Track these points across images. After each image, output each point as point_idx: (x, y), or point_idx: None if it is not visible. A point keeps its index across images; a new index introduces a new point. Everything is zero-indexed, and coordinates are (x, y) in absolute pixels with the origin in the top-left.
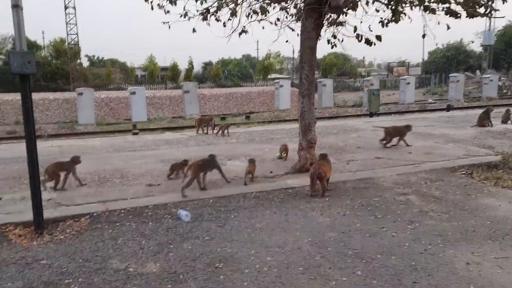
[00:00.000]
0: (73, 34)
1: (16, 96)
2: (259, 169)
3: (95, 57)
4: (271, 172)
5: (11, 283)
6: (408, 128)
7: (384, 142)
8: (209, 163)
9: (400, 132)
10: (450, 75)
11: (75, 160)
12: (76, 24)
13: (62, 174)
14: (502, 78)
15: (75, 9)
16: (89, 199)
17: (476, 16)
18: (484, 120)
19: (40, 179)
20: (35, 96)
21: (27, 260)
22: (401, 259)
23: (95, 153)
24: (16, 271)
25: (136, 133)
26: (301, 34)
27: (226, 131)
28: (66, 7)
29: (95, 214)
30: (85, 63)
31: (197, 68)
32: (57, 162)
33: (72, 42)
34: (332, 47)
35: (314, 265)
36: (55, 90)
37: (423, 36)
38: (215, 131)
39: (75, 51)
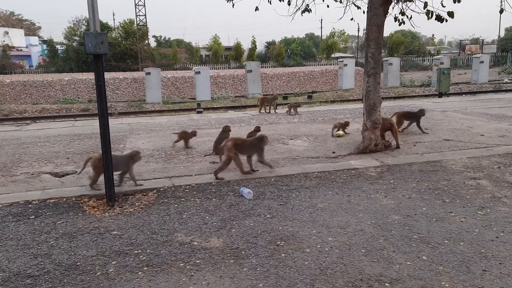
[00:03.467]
0: (142, 15)
1: (89, 76)
2: (321, 149)
3: (162, 38)
4: (333, 152)
5: (85, 251)
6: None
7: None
8: (248, 145)
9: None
10: None
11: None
12: (144, 5)
13: None
14: None
15: None
16: (156, 174)
17: None
18: None
19: None
20: (106, 75)
21: (100, 230)
22: (470, 245)
23: (162, 131)
24: (90, 240)
25: (200, 112)
26: (367, 11)
27: (295, 110)
28: None
29: (161, 189)
30: (152, 43)
31: (260, 47)
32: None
33: (141, 23)
34: (400, 25)
35: (377, 247)
36: (124, 70)
37: (501, 11)
38: (277, 111)
39: (143, 32)
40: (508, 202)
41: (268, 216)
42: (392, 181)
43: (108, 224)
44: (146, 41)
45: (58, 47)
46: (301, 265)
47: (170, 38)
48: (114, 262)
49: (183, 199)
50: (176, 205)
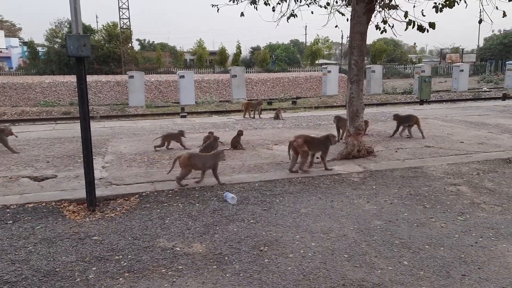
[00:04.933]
0: (125, 18)
1: (71, 79)
2: None
3: (146, 41)
4: (317, 158)
5: (65, 257)
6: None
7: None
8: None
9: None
10: (507, 62)
11: None
12: (128, 9)
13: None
14: None
15: None
16: (139, 179)
17: None
18: None
19: None
20: (89, 78)
21: (80, 236)
22: (450, 250)
23: (144, 135)
24: (70, 245)
25: (184, 116)
26: (351, 19)
27: (280, 115)
28: None
29: (144, 194)
30: (136, 46)
31: (245, 52)
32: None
33: (124, 26)
34: (381, 33)
35: (359, 252)
36: (107, 73)
37: (480, 21)
38: (262, 116)
39: (127, 35)
40: (486, 208)
41: (251, 221)
42: (374, 187)
43: (88, 229)
44: (130, 44)
45: (39, 49)
46: (284, 270)
47: (154, 41)
48: (94, 268)
49: (165, 204)
50: (158, 210)
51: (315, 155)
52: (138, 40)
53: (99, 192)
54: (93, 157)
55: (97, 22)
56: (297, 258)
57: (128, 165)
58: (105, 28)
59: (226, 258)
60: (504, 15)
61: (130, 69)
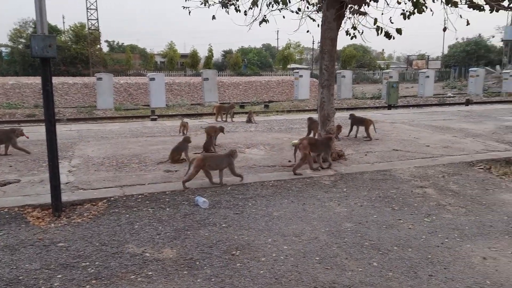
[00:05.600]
0: (94, 19)
1: (36, 80)
2: (278, 158)
3: (115, 43)
4: (289, 161)
5: (29, 264)
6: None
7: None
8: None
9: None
10: (470, 69)
11: None
12: (96, 9)
13: None
14: None
15: None
16: (107, 183)
17: (500, 9)
18: None
19: None
20: (55, 80)
21: (45, 242)
22: (417, 251)
23: (113, 138)
24: (34, 253)
25: (155, 119)
26: (322, 25)
27: (252, 118)
28: None
29: (112, 198)
30: (105, 48)
31: (217, 56)
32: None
33: (92, 27)
34: (351, 38)
35: (330, 255)
36: (74, 75)
37: (444, 29)
38: (234, 119)
39: (95, 36)
40: (452, 209)
41: (223, 225)
42: (345, 190)
43: (53, 236)
44: (98, 46)
45: (3, 49)
46: (256, 274)
47: (123, 43)
48: (59, 276)
49: (135, 209)
50: (127, 215)
51: (320, 156)
52: (107, 41)
53: (65, 197)
54: (59, 161)
55: (63, 22)
56: (269, 261)
57: (96, 169)
58: (72, 28)
59: (197, 263)
60: (468, 23)
61: (99, 71)
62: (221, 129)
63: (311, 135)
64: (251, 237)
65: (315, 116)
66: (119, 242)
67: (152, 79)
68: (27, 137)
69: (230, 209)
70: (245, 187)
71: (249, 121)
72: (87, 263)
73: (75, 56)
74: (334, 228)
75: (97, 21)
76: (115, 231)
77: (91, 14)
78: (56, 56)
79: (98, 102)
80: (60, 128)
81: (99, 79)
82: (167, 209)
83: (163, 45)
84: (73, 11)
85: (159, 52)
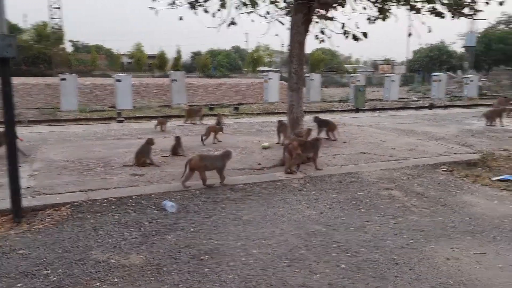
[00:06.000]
0: (57, 18)
1: None
2: (247, 161)
3: (80, 43)
4: (259, 164)
5: None
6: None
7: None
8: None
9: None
10: (433, 74)
11: None
12: (59, 8)
13: None
14: (482, 79)
15: None
16: (70, 188)
17: (461, 16)
18: (494, 118)
19: None
20: (15, 80)
21: (4, 250)
22: (384, 253)
23: (77, 141)
24: None
25: (121, 121)
26: (290, 29)
27: (221, 121)
28: None
29: (76, 203)
30: (69, 48)
31: (186, 57)
32: None
33: (56, 26)
34: (320, 42)
35: (299, 258)
36: (36, 75)
37: (409, 35)
38: (203, 122)
39: (59, 35)
40: (416, 211)
41: (192, 230)
42: (314, 192)
43: (13, 243)
44: (62, 46)
45: None
46: (225, 279)
47: (88, 43)
48: (20, 285)
49: (100, 214)
50: (92, 221)
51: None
52: (71, 41)
53: (26, 202)
54: (20, 165)
55: (25, 21)
56: (238, 266)
57: (59, 173)
58: (34, 28)
59: (165, 269)
60: (429, 30)
61: (62, 71)
62: (220, 129)
63: (281, 137)
64: (220, 241)
65: (284, 119)
66: (83, 248)
67: (119, 80)
68: (21, 140)
69: (198, 213)
70: (214, 191)
71: (218, 123)
72: (49, 271)
73: (37, 56)
74: (303, 231)
75: (61, 20)
76: (78, 237)
77: (54, 13)
78: (16, 56)
79: (62, 104)
80: (21, 131)
81: (63, 79)
82: (134, 213)
83: (130, 46)
84: (35, 9)
85: (126, 53)
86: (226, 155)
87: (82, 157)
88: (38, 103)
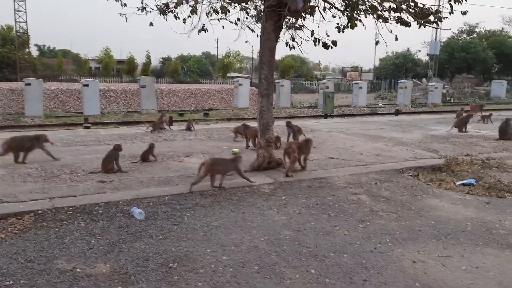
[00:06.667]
0: (22, 22)
1: None
2: None
3: (46, 47)
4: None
5: None
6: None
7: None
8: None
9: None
10: (399, 81)
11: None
12: (25, 12)
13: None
14: (446, 86)
15: None
16: (34, 195)
17: (426, 24)
18: (462, 125)
19: None
20: None
21: None
22: (352, 257)
23: None
24: None
25: (88, 127)
26: (261, 35)
27: (191, 126)
28: None
29: (40, 211)
30: (35, 52)
31: (155, 62)
32: None
33: (21, 30)
34: (290, 49)
35: (269, 263)
36: (0, 80)
37: (377, 43)
38: (173, 127)
39: (24, 39)
40: (384, 215)
41: (160, 237)
42: (284, 197)
43: None
44: (27, 50)
45: None
46: (194, 287)
47: (55, 47)
48: None
49: (65, 222)
50: (57, 229)
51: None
52: (36, 45)
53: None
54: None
55: None
56: (208, 273)
57: (22, 180)
58: None
59: (133, 277)
60: (396, 39)
61: (27, 76)
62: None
63: (250, 141)
64: (189, 248)
65: (254, 124)
66: (47, 258)
67: (86, 85)
68: (52, 143)
69: (167, 220)
70: (183, 197)
71: (188, 129)
72: (11, 282)
73: (1, 60)
74: (273, 237)
75: (26, 24)
76: (42, 246)
77: (19, 17)
78: None
79: (26, 109)
80: None
81: (28, 84)
82: (100, 221)
83: (98, 50)
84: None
85: (93, 58)
86: (237, 160)
87: (47, 164)
88: (1, 109)
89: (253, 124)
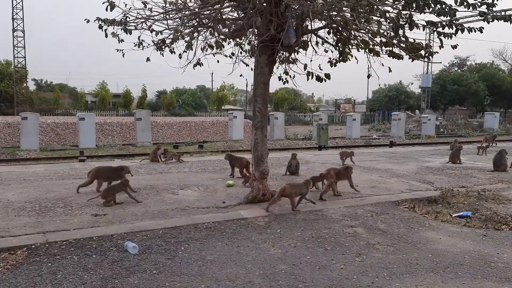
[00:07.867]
0: (21, 57)
1: None
2: (212, 199)
3: (43, 81)
4: (223, 202)
5: None
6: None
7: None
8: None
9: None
10: (392, 113)
11: None
12: (24, 47)
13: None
14: (439, 118)
15: (23, 32)
16: (28, 230)
17: (417, 58)
18: (455, 157)
19: None
20: None
21: None
22: None
23: (37, 181)
24: None
25: (83, 160)
26: (254, 69)
27: (179, 159)
28: (14, 30)
29: (33, 246)
30: (32, 87)
31: (151, 96)
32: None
33: (19, 65)
34: (283, 83)
35: None
36: None
37: (368, 76)
38: (163, 159)
39: (22, 74)
40: (380, 248)
41: (154, 271)
42: (279, 230)
43: None
44: (25, 84)
45: None
46: None
47: (52, 82)
48: None
49: (58, 256)
50: (49, 264)
51: (336, 183)
52: (34, 80)
53: None
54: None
55: None
56: None
57: (16, 214)
58: None
59: None
60: (390, 70)
61: (24, 110)
62: (352, 153)
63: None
64: (183, 283)
65: (248, 156)
66: None
67: (82, 118)
68: (132, 175)
69: (161, 254)
70: (177, 230)
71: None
72: None
73: None
74: (269, 271)
75: (24, 59)
76: (35, 282)
77: (18, 52)
78: None
79: (22, 143)
80: None
81: (24, 118)
82: (94, 256)
83: (95, 84)
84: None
85: (90, 92)
86: (308, 184)
87: (42, 198)
88: None
89: (247, 156)
